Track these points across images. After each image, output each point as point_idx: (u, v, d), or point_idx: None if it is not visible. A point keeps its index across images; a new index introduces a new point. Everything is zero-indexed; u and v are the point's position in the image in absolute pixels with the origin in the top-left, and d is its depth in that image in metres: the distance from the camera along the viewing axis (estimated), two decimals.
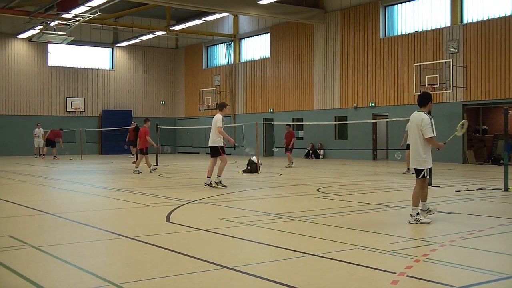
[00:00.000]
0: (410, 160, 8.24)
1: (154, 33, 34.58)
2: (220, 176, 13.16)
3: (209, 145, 13.28)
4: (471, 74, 22.90)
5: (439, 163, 20.44)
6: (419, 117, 7.98)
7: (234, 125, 31.87)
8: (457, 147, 22.95)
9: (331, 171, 19.56)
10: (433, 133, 7.90)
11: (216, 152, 13.24)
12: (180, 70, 39.98)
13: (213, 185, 13.01)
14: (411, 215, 7.91)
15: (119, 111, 37.44)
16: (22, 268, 5.41)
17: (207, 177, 13.26)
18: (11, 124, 33.42)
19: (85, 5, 24.96)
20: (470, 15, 23.34)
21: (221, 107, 13.45)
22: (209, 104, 32.92)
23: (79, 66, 36.49)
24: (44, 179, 16.69)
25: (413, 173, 8.44)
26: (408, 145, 17.17)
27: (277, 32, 31.96)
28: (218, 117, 13.15)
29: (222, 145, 13.28)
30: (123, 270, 5.42)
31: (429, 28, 24.65)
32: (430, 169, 8.03)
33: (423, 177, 7.96)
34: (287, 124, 23.90)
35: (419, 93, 8.13)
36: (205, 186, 13.10)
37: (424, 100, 8.13)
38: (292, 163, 21.60)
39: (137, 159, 19.11)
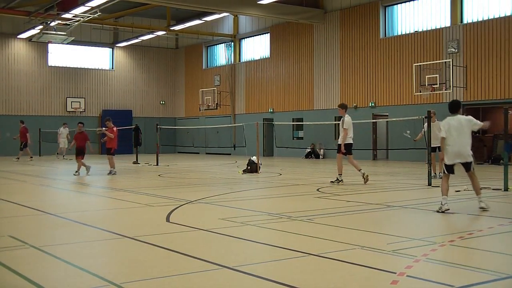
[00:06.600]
0: (462, 156, 9.15)
1: (154, 33, 34.59)
2: (341, 174, 14.04)
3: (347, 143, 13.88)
4: (471, 74, 22.89)
5: (439, 163, 20.39)
6: (464, 118, 9.27)
7: (234, 125, 31.90)
8: None
9: (331, 171, 19.53)
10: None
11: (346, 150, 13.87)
12: (180, 70, 39.96)
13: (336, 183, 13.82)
14: (481, 201, 8.92)
15: (119, 111, 37.41)
16: (22, 268, 5.41)
17: (339, 174, 14.02)
18: (11, 124, 33.36)
19: (85, 5, 24.97)
20: (470, 15, 23.33)
21: (343, 107, 14.04)
22: (209, 104, 32.93)
23: (79, 66, 36.47)
24: (44, 179, 16.69)
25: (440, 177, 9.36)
26: (433, 148, 14.68)
27: (277, 32, 31.95)
28: (346, 119, 13.71)
29: (348, 143, 13.87)
30: (123, 270, 5.42)
31: (429, 28, 24.63)
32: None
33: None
34: (79, 122, 18.86)
35: (451, 101, 9.63)
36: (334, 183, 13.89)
37: (457, 107, 9.35)
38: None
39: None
